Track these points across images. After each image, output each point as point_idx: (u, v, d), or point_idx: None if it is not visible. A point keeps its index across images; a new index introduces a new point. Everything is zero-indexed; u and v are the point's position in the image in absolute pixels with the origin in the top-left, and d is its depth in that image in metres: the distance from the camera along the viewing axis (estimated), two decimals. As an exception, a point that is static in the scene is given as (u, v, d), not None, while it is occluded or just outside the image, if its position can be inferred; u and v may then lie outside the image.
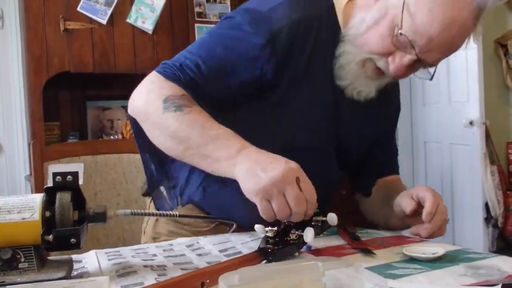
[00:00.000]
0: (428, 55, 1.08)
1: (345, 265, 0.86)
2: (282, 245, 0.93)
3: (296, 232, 0.95)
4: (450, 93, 3.94)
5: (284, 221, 0.95)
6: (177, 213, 0.99)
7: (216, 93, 1.14)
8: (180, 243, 1.16)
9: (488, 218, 3.66)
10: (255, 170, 0.94)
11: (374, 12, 1.10)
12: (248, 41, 1.10)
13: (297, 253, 0.97)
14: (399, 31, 1.04)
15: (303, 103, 1.17)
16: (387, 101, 1.32)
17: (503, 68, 4.00)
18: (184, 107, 1.05)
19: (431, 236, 1.08)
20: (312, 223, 1.00)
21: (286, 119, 1.18)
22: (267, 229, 0.96)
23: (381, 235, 1.20)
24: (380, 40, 1.08)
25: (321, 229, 1.01)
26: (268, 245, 0.93)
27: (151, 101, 1.09)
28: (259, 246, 0.94)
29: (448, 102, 3.98)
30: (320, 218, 1.01)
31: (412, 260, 0.95)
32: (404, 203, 1.14)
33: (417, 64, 1.11)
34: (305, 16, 1.13)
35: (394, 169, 1.42)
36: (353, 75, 1.15)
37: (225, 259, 1.00)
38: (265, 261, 0.90)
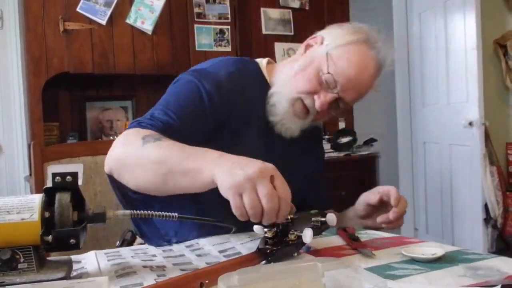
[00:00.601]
0: (346, 94, 1.33)
1: (345, 266, 0.86)
2: (281, 245, 0.93)
3: (295, 233, 0.95)
4: (450, 94, 3.95)
5: (257, 222, 0.94)
6: (176, 214, 0.99)
7: (185, 136, 1.19)
8: (180, 244, 1.16)
9: (488, 219, 3.66)
10: (233, 169, 0.95)
11: (301, 61, 1.38)
12: (201, 90, 1.28)
13: (296, 254, 0.97)
14: (327, 71, 1.31)
15: (244, 145, 1.30)
16: (313, 146, 1.58)
17: (502, 69, 4.00)
18: (163, 138, 1.12)
19: (393, 224, 1.27)
20: (311, 224, 1.00)
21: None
22: (266, 229, 0.97)
23: (380, 235, 1.20)
24: (308, 81, 1.33)
25: (320, 229, 1.02)
26: (267, 246, 0.93)
27: (128, 144, 1.14)
28: (258, 247, 0.94)
29: (448, 103, 3.98)
30: (319, 218, 1.01)
31: (411, 260, 0.95)
32: (370, 197, 1.34)
33: (336, 103, 1.35)
34: (239, 69, 1.37)
35: (327, 206, 1.53)
36: (284, 112, 1.36)
37: (225, 259, 1.00)
38: (264, 261, 0.91)
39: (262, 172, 0.94)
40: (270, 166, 0.97)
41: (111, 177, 1.19)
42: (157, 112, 1.23)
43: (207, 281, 0.76)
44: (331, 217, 1.02)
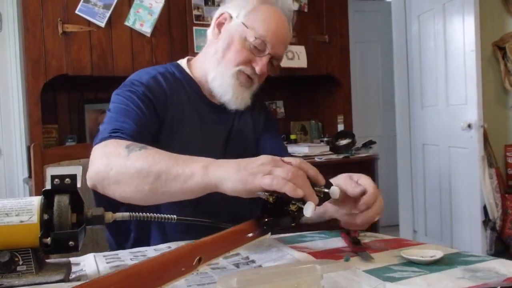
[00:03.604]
0: (276, 50, 1.43)
1: (344, 268, 0.87)
2: (279, 214, 0.91)
3: (297, 204, 0.92)
4: (448, 96, 3.95)
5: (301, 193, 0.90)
6: (175, 216, 0.98)
7: (146, 139, 1.25)
8: (179, 246, 1.16)
9: (486, 221, 3.66)
10: (239, 166, 0.95)
11: (221, 41, 1.45)
12: (137, 94, 1.35)
13: (293, 224, 0.95)
14: (254, 37, 1.39)
15: (184, 140, 1.39)
16: (257, 111, 1.61)
17: (501, 71, 4.01)
18: (148, 146, 1.12)
19: (357, 227, 1.13)
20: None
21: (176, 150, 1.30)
22: (267, 193, 0.92)
23: (379, 237, 1.20)
24: (239, 53, 1.41)
25: (322, 200, 0.98)
26: (266, 214, 0.92)
27: (111, 154, 1.13)
28: (257, 214, 0.93)
29: (446, 105, 3.99)
30: (323, 189, 0.97)
31: (410, 263, 0.95)
32: (349, 187, 1.13)
33: (270, 62, 1.43)
34: (160, 73, 1.45)
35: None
36: (232, 87, 1.42)
37: (223, 261, 1.00)
38: (260, 229, 0.89)
39: (271, 160, 0.94)
40: (266, 156, 0.97)
41: (95, 192, 1.19)
42: (113, 125, 1.26)
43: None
44: (334, 190, 0.99)
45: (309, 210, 0.89)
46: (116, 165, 1.10)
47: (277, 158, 0.96)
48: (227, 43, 1.43)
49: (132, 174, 1.06)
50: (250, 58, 1.42)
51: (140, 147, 1.10)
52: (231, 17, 1.46)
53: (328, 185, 1.00)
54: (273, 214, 0.91)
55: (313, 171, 0.98)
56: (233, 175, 0.94)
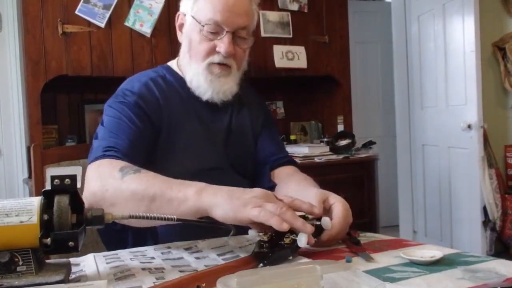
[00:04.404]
0: (234, 23, 1.36)
1: (343, 269, 0.87)
2: (276, 249, 0.93)
3: (290, 236, 0.95)
4: (448, 97, 3.95)
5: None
6: (175, 216, 0.99)
7: (141, 152, 1.29)
8: (179, 246, 1.16)
9: (486, 222, 3.66)
10: (232, 196, 0.98)
11: (184, 42, 1.46)
12: (129, 105, 1.35)
13: (291, 257, 0.97)
14: (203, 24, 1.36)
15: (184, 143, 1.39)
16: (255, 109, 1.61)
17: (501, 72, 4.01)
18: (142, 170, 1.13)
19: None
20: None
21: (178, 152, 1.35)
22: (260, 233, 0.97)
23: (379, 238, 1.20)
24: (199, 46, 1.40)
25: (317, 233, 1.02)
26: (263, 250, 0.93)
27: (105, 176, 1.14)
28: (253, 250, 0.95)
29: (446, 106, 3.99)
30: (315, 222, 1.02)
31: (410, 263, 0.95)
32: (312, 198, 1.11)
33: (237, 38, 1.39)
34: (151, 78, 1.45)
35: (284, 160, 1.57)
36: (208, 82, 1.41)
37: (223, 262, 1.00)
38: (260, 265, 0.91)
39: (264, 194, 0.99)
40: (260, 190, 1.02)
41: None
42: (107, 141, 1.26)
43: (204, 284, 0.76)
44: (325, 221, 1.03)
45: (302, 241, 0.94)
46: (111, 187, 1.12)
47: (270, 193, 1.01)
48: (188, 42, 1.44)
49: (127, 196, 1.09)
50: (213, 46, 1.39)
51: (135, 170, 1.12)
52: (184, 15, 1.46)
53: (319, 218, 1.05)
54: (269, 250, 0.94)
55: (307, 205, 1.04)
56: (224, 203, 0.98)
